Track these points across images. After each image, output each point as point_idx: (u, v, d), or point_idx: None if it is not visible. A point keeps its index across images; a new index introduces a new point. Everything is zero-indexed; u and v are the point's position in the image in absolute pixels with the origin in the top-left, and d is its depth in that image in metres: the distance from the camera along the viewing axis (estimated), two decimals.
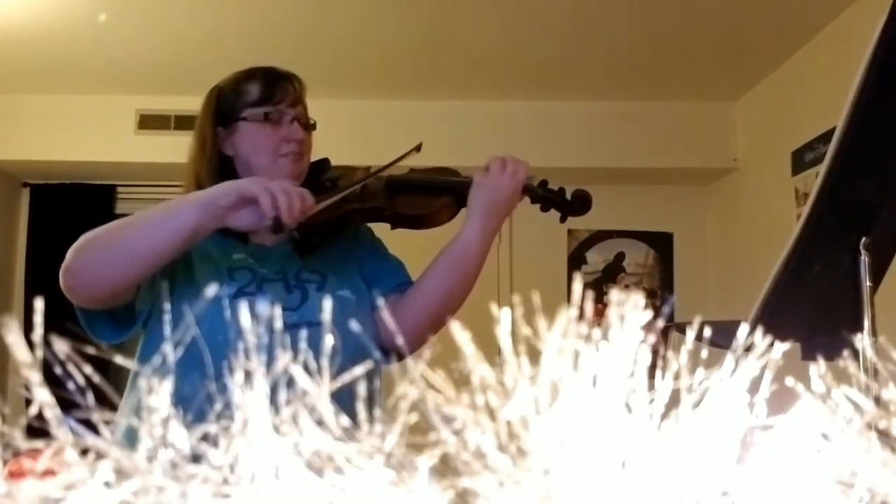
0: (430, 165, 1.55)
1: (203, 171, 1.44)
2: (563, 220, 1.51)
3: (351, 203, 1.42)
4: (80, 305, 1.28)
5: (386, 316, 1.44)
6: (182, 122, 3.96)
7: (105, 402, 0.33)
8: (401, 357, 1.30)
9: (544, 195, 1.49)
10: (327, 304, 0.39)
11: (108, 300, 1.27)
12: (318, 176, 1.51)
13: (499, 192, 1.41)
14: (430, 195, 1.48)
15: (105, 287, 1.23)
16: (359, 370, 0.34)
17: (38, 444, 0.31)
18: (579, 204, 1.50)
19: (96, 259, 1.23)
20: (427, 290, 1.44)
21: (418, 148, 1.44)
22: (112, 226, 1.27)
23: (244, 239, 1.43)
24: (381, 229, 1.55)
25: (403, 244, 1.62)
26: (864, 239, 1.04)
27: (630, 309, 0.33)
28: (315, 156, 1.52)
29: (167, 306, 1.31)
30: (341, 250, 1.44)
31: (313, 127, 1.50)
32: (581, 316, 0.34)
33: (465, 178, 1.48)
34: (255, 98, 1.44)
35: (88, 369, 0.33)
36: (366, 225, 1.56)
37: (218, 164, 1.44)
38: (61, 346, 0.32)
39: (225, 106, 1.46)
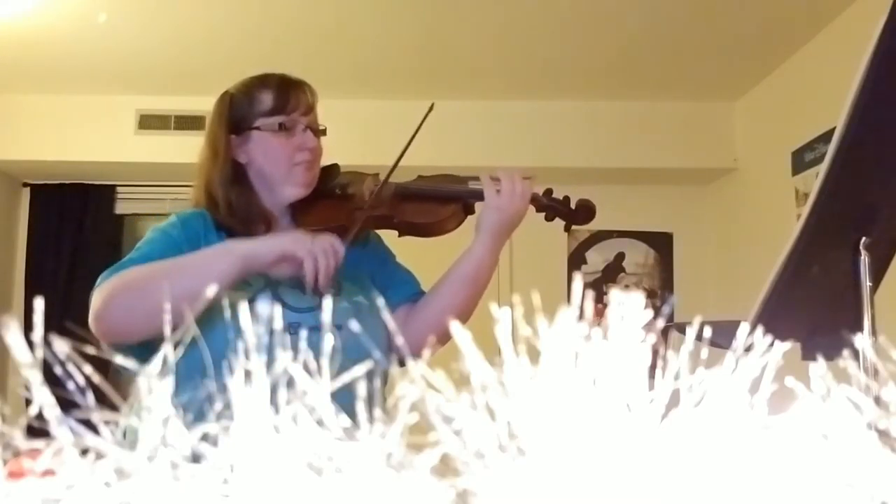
0: (437, 172, 1.56)
1: (216, 179, 1.44)
2: (567, 228, 1.54)
3: (361, 210, 1.43)
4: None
5: (390, 321, 1.44)
6: (182, 122, 3.97)
7: (105, 402, 0.33)
8: (403, 364, 1.31)
9: (549, 204, 1.51)
10: (328, 306, 0.39)
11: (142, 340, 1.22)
12: (328, 181, 1.51)
13: (509, 214, 1.44)
14: (437, 203, 1.50)
15: (142, 334, 1.20)
16: (364, 371, 0.34)
17: (38, 444, 0.31)
18: (583, 213, 1.52)
19: (133, 309, 1.22)
20: (438, 305, 1.47)
21: (431, 108, 1.45)
22: (142, 274, 1.26)
23: None
24: (388, 236, 1.56)
25: (411, 251, 1.63)
26: (864, 239, 1.04)
27: (630, 309, 0.33)
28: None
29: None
30: (352, 256, 1.45)
31: (324, 133, 1.51)
32: (581, 316, 0.34)
33: (472, 185, 1.49)
34: (269, 107, 1.44)
35: (88, 369, 0.33)
36: (376, 233, 1.57)
37: (231, 173, 1.45)
38: (61, 346, 0.32)
39: (237, 113, 1.46)
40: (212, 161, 1.46)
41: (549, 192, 1.52)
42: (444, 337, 1.32)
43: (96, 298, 1.25)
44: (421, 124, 1.43)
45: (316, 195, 1.49)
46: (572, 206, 1.51)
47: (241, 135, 1.45)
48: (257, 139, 1.45)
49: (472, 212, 1.47)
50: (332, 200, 1.50)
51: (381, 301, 1.42)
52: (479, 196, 1.45)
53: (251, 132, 1.45)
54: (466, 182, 1.52)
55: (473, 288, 1.46)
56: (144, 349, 1.26)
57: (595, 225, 1.54)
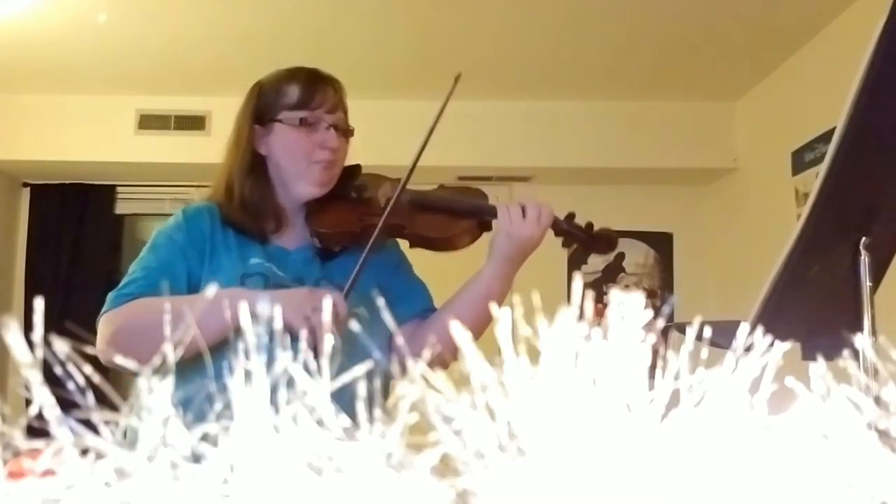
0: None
1: (235, 168, 1.44)
2: (584, 256, 1.49)
3: (374, 217, 1.40)
4: None
5: (398, 336, 1.42)
6: (182, 122, 3.97)
7: (105, 402, 0.33)
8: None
9: (568, 230, 1.46)
10: (327, 307, 0.39)
11: None
12: (348, 182, 1.49)
13: (523, 242, 1.39)
14: (452, 217, 1.46)
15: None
16: (359, 371, 0.34)
17: (38, 444, 0.31)
18: (604, 242, 1.46)
19: (136, 351, 1.22)
20: (445, 326, 1.43)
21: (457, 78, 1.42)
22: (145, 317, 1.25)
23: (263, 238, 1.42)
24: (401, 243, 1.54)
25: (426, 260, 1.61)
26: (864, 239, 1.04)
27: (630, 309, 0.33)
28: None
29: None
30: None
31: (351, 133, 1.48)
32: (581, 316, 0.34)
33: (489, 203, 1.46)
34: (294, 101, 1.43)
35: (88, 369, 0.33)
36: (393, 239, 1.54)
37: (251, 163, 1.44)
38: (61, 346, 0.32)
39: (264, 104, 1.45)
40: (234, 149, 1.45)
41: (571, 216, 1.46)
42: (452, 356, 1.30)
43: (103, 330, 1.27)
44: (447, 100, 1.38)
45: (332, 196, 1.46)
46: (593, 233, 1.46)
47: (265, 125, 1.44)
48: (279, 132, 1.43)
49: (487, 228, 1.43)
50: (346, 204, 1.46)
51: (385, 315, 1.40)
52: (494, 213, 1.41)
53: (274, 124, 1.43)
54: (485, 198, 1.49)
55: (483, 310, 1.39)
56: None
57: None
